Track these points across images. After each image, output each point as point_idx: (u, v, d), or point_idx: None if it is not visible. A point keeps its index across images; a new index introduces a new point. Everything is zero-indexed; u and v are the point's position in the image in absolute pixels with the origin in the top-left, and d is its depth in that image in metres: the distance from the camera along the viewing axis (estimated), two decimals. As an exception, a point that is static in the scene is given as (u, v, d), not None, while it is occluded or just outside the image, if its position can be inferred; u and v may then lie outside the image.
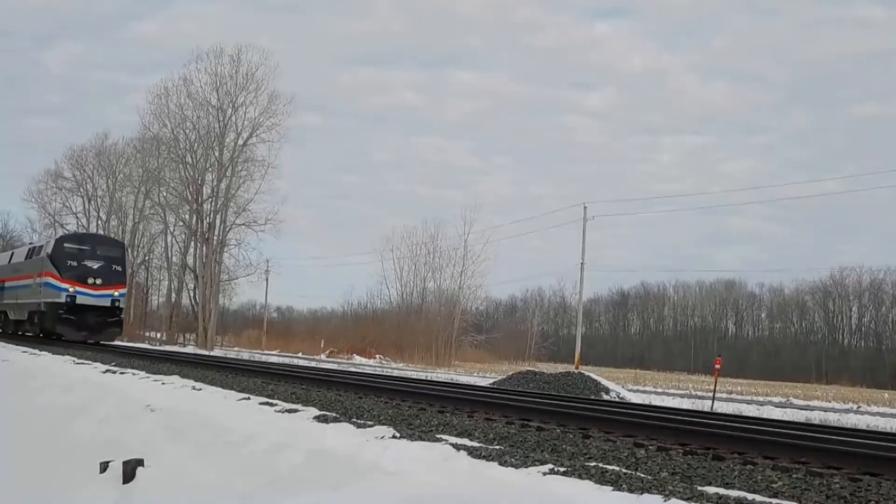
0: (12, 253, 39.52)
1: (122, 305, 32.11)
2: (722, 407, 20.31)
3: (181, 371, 15.16)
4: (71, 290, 29.98)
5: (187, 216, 56.99)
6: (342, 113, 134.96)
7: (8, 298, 35.78)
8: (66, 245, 31.67)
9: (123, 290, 32.28)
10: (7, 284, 36.02)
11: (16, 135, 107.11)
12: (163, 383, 11.92)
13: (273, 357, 43.60)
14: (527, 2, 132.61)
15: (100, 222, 65.84)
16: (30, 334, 32.84)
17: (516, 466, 5.58)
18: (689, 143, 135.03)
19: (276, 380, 15.12)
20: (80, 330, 29.92)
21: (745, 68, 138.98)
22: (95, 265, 30.88)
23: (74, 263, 30.66)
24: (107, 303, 30.62)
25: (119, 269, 31.90)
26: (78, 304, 29.95)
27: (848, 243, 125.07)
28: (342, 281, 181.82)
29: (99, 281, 30.61)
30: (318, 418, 7.93)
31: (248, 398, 9.92)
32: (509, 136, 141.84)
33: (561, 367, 38.16)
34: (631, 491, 4.87)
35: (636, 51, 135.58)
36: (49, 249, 31.61)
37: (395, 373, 31.76)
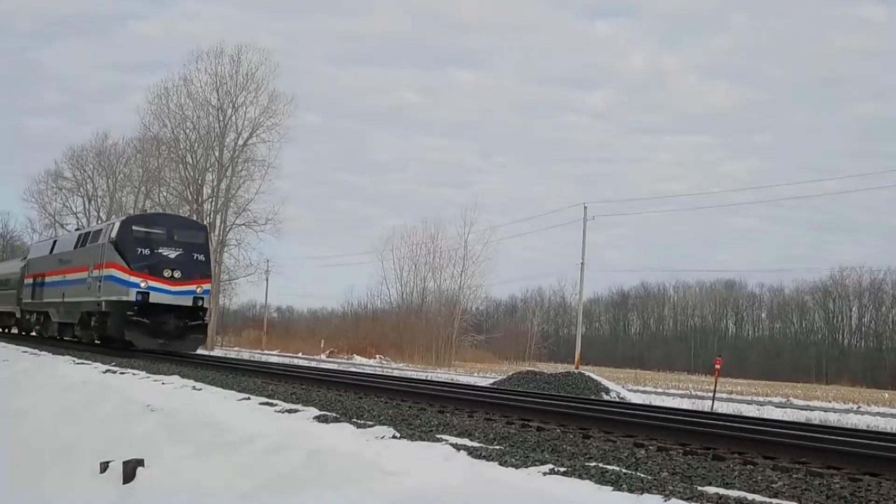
0: (55, 241, 32.94)
1: (206, 305, 25.21)
2: (722, 407, 20.32)
3: (181, 371, 15.17)
4: (143, 285, 23.59)
5: (187, 216, 57.00)
6: (342, 113, 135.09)
7: (50, 296, 29.39)
8: (134, 228, 24.89)
9: (208, 286, 25.44)
10: (48, 279, 29.84)
11: (16, 135, 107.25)
12: (163, 383, 11.92)
13: (273, 357, 43.60)
14: (527, 1, 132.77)
15: (100, 223, 65.82)
16: (80, 340, 27.03)
17: (516, 466, 5.58)
18: (689, 143, 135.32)
19: (276, 380, 15.12)
20: (155, 336, 23.62)
21: (745, 68, 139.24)
22: (173, 254, 24.40)
23: (147, 252, 24.19)
24: (188, 301, 24.04)
25: (202, 258, 25.18)
26: (152, 304, 23.54)
27: (848, 243, 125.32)
28: (342, 281, 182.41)
29: (178, 274, 24.09)
30: (318, 418, 7.94)
31: (249, 398, 9.93)
32: (509, 136, 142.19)
33: (561, 368, 38.14)
34: (631, 491, 4.87)
35: (636, 50, 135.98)
36: (113, 234, 24.89)
37: (395, 373, 31.76)
